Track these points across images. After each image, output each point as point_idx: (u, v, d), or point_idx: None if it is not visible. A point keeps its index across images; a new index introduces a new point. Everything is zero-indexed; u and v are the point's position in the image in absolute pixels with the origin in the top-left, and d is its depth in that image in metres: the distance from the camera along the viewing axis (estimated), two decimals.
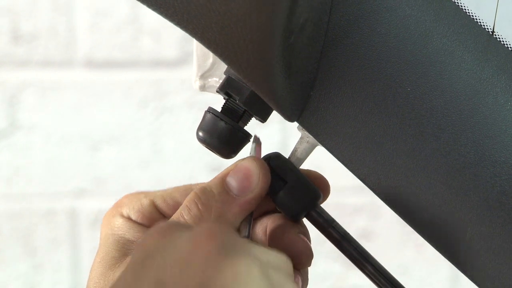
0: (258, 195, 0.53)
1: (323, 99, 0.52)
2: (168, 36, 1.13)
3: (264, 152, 0.56)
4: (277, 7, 0.46)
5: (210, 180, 0.54)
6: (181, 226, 0.43)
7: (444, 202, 0.51)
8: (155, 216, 0.56)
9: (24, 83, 1.15)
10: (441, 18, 0.51)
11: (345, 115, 0.52)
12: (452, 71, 0.50)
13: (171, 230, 0.42)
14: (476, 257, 0.51)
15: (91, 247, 1.19)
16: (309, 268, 0.56)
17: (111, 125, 1.16)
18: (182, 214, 0.53)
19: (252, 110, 0.54)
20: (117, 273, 0.53)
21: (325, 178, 0.57)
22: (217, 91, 0.55)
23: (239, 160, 0.54)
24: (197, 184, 0.56)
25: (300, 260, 0.54)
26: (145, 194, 0.56)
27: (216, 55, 0.49)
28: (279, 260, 0.45)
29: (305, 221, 0.56)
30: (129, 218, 0.55)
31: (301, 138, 0.56)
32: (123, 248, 0.54)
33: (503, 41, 0.52)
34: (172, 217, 0.54)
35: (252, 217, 0.55)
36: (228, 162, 0.55)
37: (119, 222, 0.55)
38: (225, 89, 0.54)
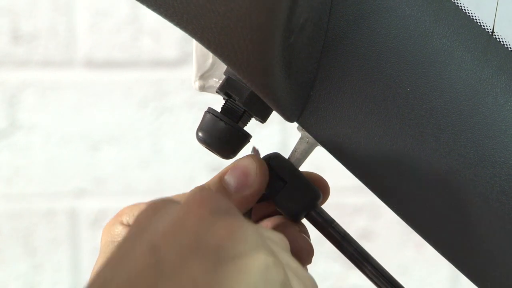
0: (256, 191, 0.53)
1: (323, 99, 0.52)
2: (168, 36, 1.13)
3: (264, 152, 0.56)
4: (277, 7, 0.46)
5: (209, 180, 0.54)
6: (173, 201, 0.43)
7: (444, 202, 0.51)
8: None
9: (24, 83, 1.15)
10: (441, 18, 0.51)
11: (345, 115, 0.52)
12: (452, 72, 0.50)
13: (164, 203, 0.42)
14: (476, 257, 0.51)
15: (91, 247, 1.19)
16: (309, 268, 0.56)
17: (111, 125, 1.16)
18: None
19: (252, 110, 0.54)
20: None
21: (325, 180, 0.57)
22: (216, 92, 0.55)
23: (237, 159, 0.54)
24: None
25: (301, 257, 0.55)
26: (146, 202, 0.56)
27: (216, 56, 0.48)
28: (275, 235, 0.45)
29: (305, 221, 0.56)
30: (128, 225, 0.55)
31: (301, 138, 0.56)
32: None
33: (503, 42, 0.52)
34: None
35: (250, 215, 0.55)
36: (228, 163, 0.55)
37: (118, 229, 0.55)
38: (224, 89, 0.54)
